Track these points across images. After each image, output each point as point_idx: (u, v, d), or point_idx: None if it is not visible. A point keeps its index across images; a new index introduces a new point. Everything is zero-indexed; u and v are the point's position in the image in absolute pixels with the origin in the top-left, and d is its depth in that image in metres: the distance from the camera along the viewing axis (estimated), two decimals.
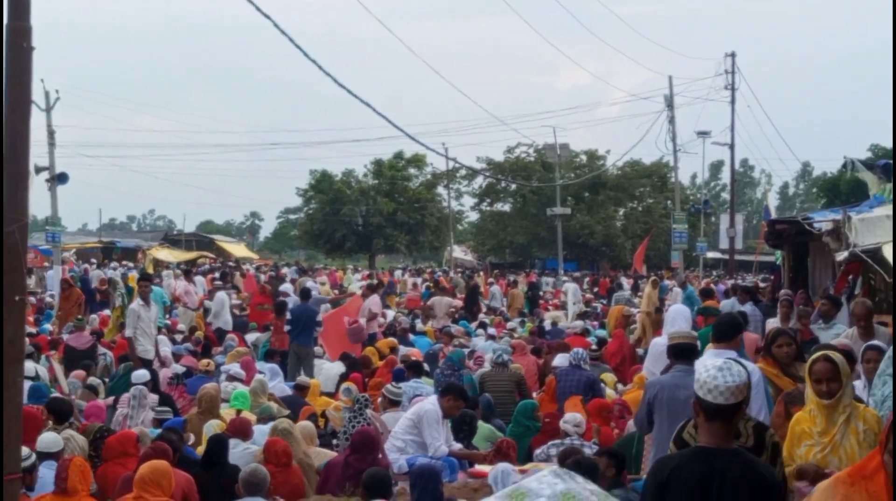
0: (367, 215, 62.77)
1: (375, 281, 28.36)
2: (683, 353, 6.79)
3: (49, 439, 7.81)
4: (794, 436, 5.35)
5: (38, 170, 27.23)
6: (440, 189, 63.66)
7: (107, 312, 20.50)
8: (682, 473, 3.89)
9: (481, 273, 43.47)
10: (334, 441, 10.06)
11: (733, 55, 38.26)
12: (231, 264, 44.79)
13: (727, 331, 7.01)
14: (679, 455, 4.15)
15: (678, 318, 12.89)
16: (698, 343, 7.22)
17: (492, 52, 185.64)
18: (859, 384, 6.73)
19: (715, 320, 7.77)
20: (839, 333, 9.45)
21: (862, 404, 5.62)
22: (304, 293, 17.50)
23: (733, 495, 3.79)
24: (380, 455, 8.23)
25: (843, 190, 29.07)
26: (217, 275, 32.77)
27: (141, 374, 11.29)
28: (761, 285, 24.75)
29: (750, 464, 3.96)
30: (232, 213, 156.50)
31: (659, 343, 11.10)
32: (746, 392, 4.06)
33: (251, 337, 18.31)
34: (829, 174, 37.58)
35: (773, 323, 11.53)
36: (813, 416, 5.30)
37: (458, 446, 9.34)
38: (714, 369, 4.00)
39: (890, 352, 6.46)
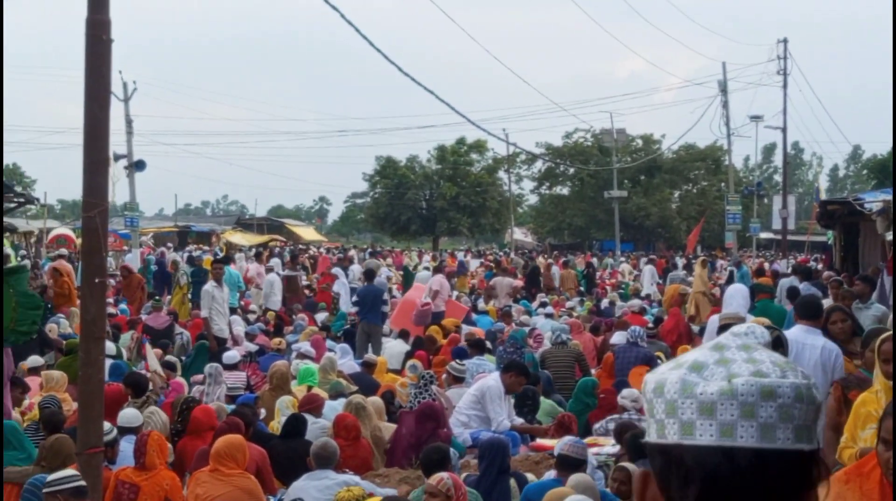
0: (431, 199, 63.34)
1: (439, 263, 28.61)
2: None
3: (130, 414, 7.98)
4: (858, 418, 5.08)
5: (117, 157, 27.76)
6: (501, 173, 63.94)
7: None
8: None
9: (541, 255, 43.58)
10: None
11: (785, 41, 37.59)
12: (301, 246, 45.41)
13: (813, 310, 7.03)
14: None
15: (736, 295, 13.01)
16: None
17: (552, 40, 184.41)
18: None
19: (800, 299, 7.83)
20: (877, 314, 9.40)
21: None
22: (369, 274, 17.76)
23: None
24: (443, 430, 8.40)
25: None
26: (288, 257, 33.34)
27: (232, 355, 11.70)
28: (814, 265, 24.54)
29: None
30: (301, 197, 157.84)
31: (715, 320, 11.24)
32: None
33: (320, 317, 18.64)
34: (880, 156, 36.69)
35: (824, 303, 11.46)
36: (880, 397, 4.99)
37: (519, 420, 9.48)
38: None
39: None
